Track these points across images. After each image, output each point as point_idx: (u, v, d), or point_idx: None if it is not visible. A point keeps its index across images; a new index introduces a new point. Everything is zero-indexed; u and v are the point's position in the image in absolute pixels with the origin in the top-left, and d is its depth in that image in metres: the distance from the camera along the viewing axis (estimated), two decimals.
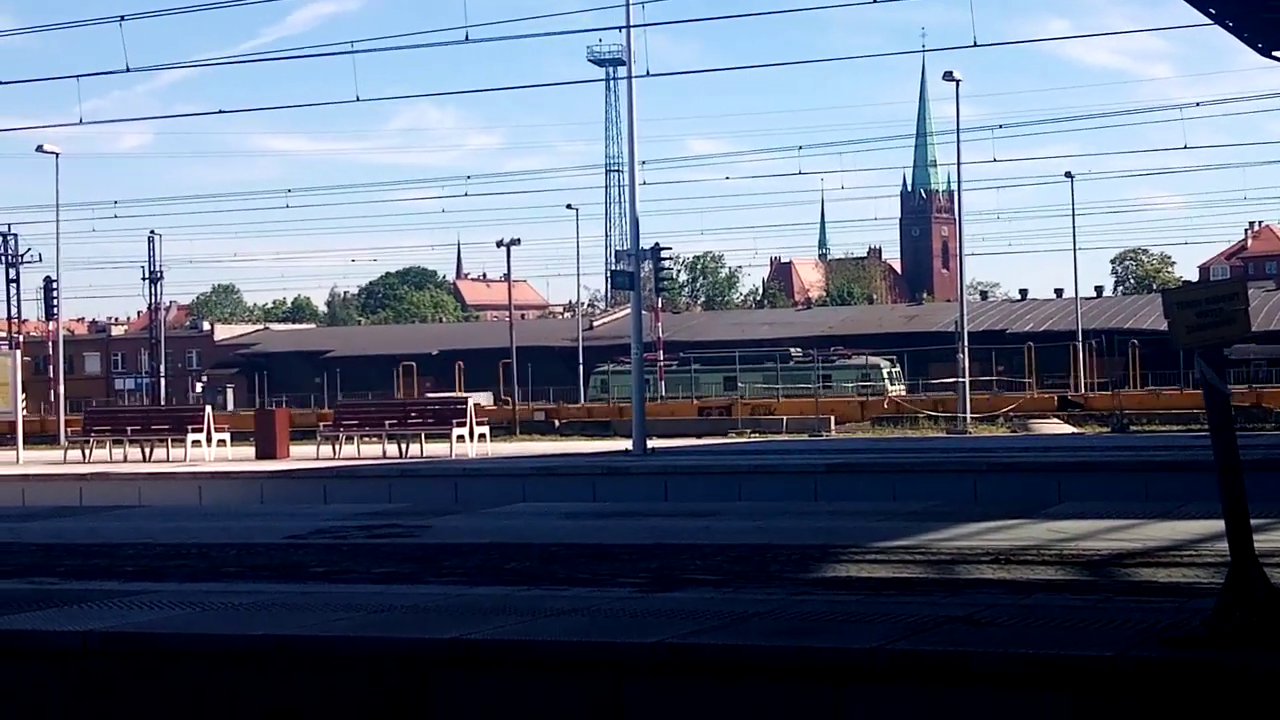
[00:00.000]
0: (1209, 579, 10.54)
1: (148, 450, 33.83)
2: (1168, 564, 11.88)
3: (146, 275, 75.14)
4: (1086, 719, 7.19)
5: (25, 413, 38.63)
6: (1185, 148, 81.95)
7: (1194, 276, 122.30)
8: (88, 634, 9.21)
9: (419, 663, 8.44)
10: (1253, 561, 7.71)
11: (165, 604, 10.37)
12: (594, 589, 10.93)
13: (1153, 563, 12.00)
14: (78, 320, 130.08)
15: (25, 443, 36.99)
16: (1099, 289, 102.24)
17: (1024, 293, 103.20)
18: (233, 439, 35.97)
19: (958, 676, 7.44)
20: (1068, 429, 42.96)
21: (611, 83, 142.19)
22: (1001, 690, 7.34)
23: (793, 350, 70.96)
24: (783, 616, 8.91)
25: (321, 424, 37.10)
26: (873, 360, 67.78)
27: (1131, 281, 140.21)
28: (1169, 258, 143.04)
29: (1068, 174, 71.29)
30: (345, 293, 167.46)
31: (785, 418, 48.17)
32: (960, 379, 48.28)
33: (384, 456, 31.84)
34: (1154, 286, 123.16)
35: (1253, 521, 7.94)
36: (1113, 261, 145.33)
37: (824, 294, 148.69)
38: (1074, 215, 74.02)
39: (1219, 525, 8.49)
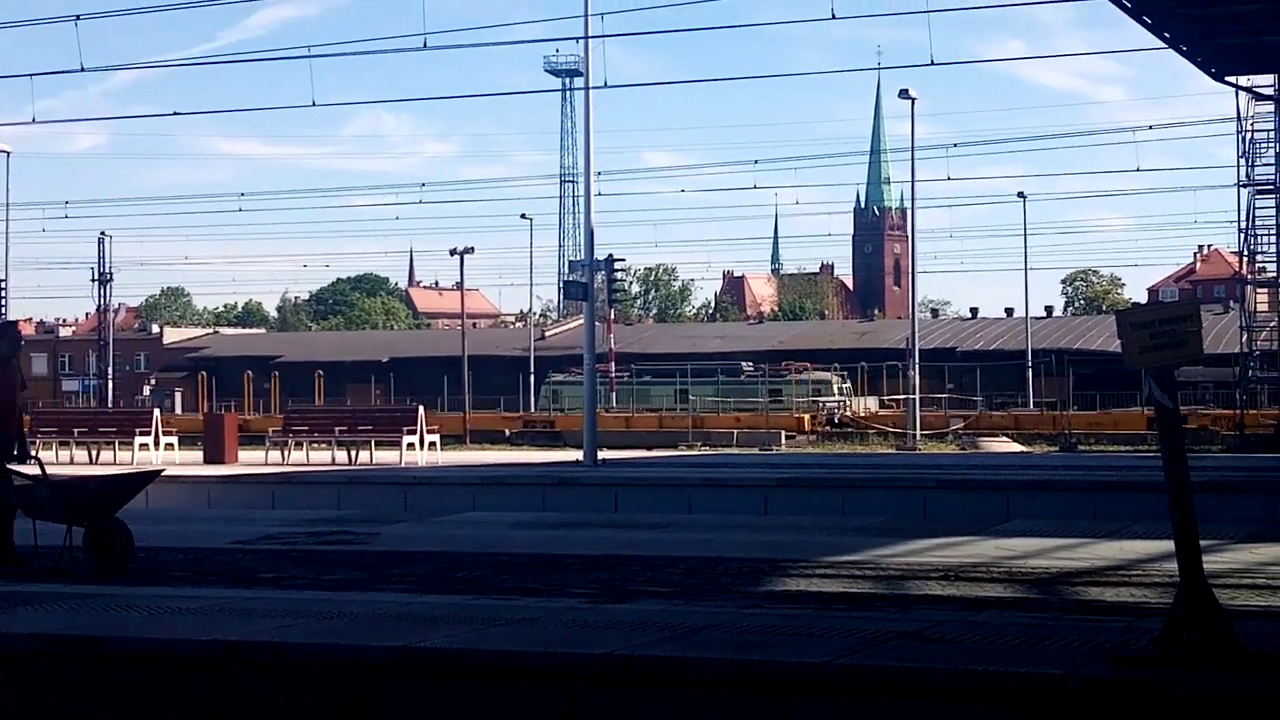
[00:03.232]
0: (1157, 599, 10.62)
1: (95, 453, 33.62)
2: (1116, 583, 11.95)
3: (96, 277, 74.74)
4: None
5: None
6: (1137, 170, 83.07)
7: (1143, 298, 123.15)
8: (33, 637, 9.12)
9: (368, 670, 8.40)
10: (1202, 583, 7.76)
11: (112, 608, 10.29)
12: (544, 599, 10.90)
13: (1101, 581, 12.06)
14: (25, 320, 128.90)
15: None
16: (1049, 309, 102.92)
17: (975, 311, 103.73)
18: (181, 443, 35.81)
19: (908, 691, 7.45)
20: (1016, 447, 43.19)
21: (568, 93, 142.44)
22: (951, 705, 7.35)
23: (744, 364, 71.04)
24: (733, 629, 8.91)
25: (271, 429, 36.92)
26: (823, 375, 67.93)
27: (1081, 302, 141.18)
28: (1119, 279, 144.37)
29: (1020, 194, 71.88)
30: (296, 298, 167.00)
31: (735, 431, 48.30)
32: (911, 395, 48.50)
33: (333, 463, 31.73)
34: (1103, 307, 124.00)
35: (1201, 543, 7.99)
36: (1063, 282, 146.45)
37: (776, 309, 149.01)
38: (1025, 235, 74.51)
39: (1167, 545, 8.55)
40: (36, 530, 13.57)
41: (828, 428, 53.34)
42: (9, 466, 13.92)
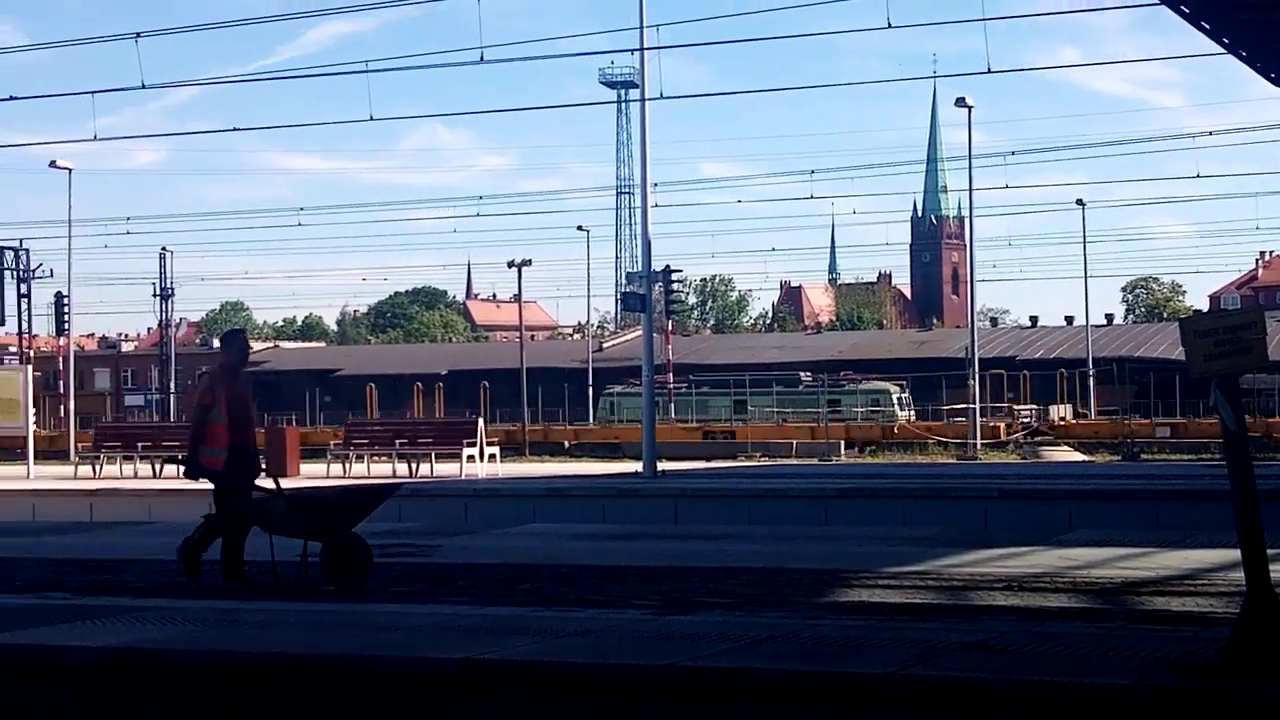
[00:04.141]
0: (1223, 608, 10.52)
1: (158, 466, 33.88)
2: (1181, 593, 11.86)
3: (157, 292, 75.41)
4: None
5: (36, 428, 38.65)
6: (1197, 176, 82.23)
7: (1204, 305, 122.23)
8: (100, 649, 9.21)
9: (432, 682, 8.43)
10: (1269, 592, 7.69)
11: (177, 620, 10.37)
12: (606, 610, 10.91)
13: (1166, 591, 11.97)
14: (88, 336, 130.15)
15: (35, 458, 37.03)
16: (1109, 317, 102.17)
17: (1034, 319, 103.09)
18: None
19: (972, 702, 7.41)
20: (1078, 456, 42.93)
21: (623, 105, 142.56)
22: (1016, 716, 7.31)
23: (802, 374, 70.93)
24: (795, 640, 8.90)
25: (332, 442, 37.12)
26: (882, 385, 67.75)
27: (1142, 310, 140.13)
28: (1180, 286, 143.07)
29: (1079, 201, 71.37)
30: (356, 311, 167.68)
31: (794, 442, 48.21)
32: (971, 405, 48.29)
33: (394, 475, 31.85)
34: (1164, 315, 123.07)
35: (1269, 551, 7.92)
36: (1124, 289, 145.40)
37: (834, 319, 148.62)
38: (1085, 243, 73.29)
39: (1232, 554, 8.46)
40: (274, 545, 13.19)
41: (1022, 437, 52.19)
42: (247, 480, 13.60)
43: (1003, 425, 53.34)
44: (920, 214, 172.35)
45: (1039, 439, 50.98)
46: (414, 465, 32.92)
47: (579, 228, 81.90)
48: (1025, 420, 56.62)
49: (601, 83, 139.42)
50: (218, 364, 14.08)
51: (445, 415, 63.79)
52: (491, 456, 33.05)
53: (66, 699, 9.08)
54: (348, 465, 32.96)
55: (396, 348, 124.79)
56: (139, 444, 35.28)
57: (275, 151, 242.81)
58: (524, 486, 27.07)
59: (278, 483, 13.70)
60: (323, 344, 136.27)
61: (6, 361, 62.91)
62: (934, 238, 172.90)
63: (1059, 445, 46.53)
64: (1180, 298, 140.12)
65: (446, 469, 32.28)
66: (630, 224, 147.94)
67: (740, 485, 26.45)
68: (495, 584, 13.28)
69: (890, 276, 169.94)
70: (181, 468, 14.25)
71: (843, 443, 47.61)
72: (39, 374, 45.77)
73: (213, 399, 13.54)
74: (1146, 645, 8.41)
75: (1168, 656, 7.96)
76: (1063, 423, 56.91)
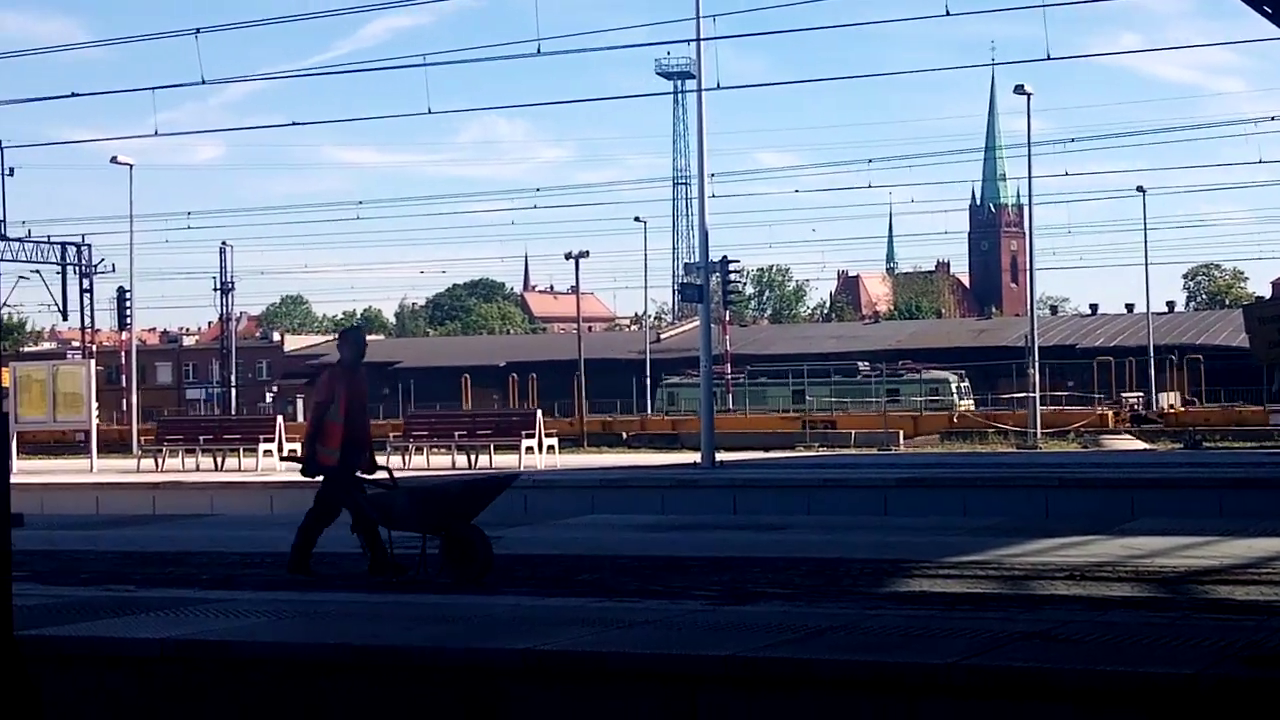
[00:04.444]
0: None
1: (220, 459, 34.12)
2: (1246, 581, 11.76)
3: (218, 286, 75.73)
4: None
5: (99, 422, 38.97)
6: (1259, 162, 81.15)
7: (1266, 292, 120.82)
8: (165, 641, 9.28)
9: (492, 673, 8.45)
10: None
11: (240, 612, 10.44)
12: (666, 601, 10.91)
13: (1231, 580, 11.88)
14: (150, 330, 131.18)
15: (98, 452, 37.36)
16: (1170, 304, 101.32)
17: (1094, 308, 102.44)
18: None
19: (1035, 693, 7.37)
20: (1139, 445, 42.60)
21: (680, 96, 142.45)
22: (1079, 706, 7.27)
23: (860, 364, 70.71)
24: (856, 631, 8.87)
25: (391, 434, 37.27)
26: (940, 375, 67.45)
27: (1204, 297, 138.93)
28: (1241, 273, 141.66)
29: (1139, 188, 70.84)
30: (414, 304, 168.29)
31: (853, 432, 48.05)
32: (1031, 394, 48.02)
33: (453, 467, 31.96)
34: (1226, 302, 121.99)
35: None
36: (1184, 277, 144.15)
37: (891, 308, 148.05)
38: (1145, 230, 72.70)
39: None
40: (392, 540, 13.13)
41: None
42: (361, 476, 13.58)
43: (1110, 413, 52.89)
44: (979, 202, 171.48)
45: (1146, 426, 50.57)
46: (473, 457, 33.01)
47: (636, 219, 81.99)
48: (1134, 407, 56.24)
49: (658, 74, 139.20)
50: (336, 361, 13.93)
51: (503, 407, 63.94)
52: (550, 448, 33.08)
53: (131, 690, 9.16)
54: (407, 457, 33.09)
55: (455, 340, 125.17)
56: (201, 437, 35.52)
57: (334, 145, 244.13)
58: (582, 478, 27.09)
59: (393, 477, 13.58)
60: (381, 337, 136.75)
61: (70, 356, 63.37)
62: (992, 226, 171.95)
63: (1120, 434, 46.12)
64: (1242, 284, 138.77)
65: (505, 460, 32.35)
66: (687, 215, 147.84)
67: (799, 475, 26.41)
68: (555, 575, 13.30)
69: (948, 265, 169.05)
70: (297, 465, 14.09)
71: (901, 432, 47.40)
72: (101, 368, 46.17)
73: (330, 396, 13.41)
74: (1210, 635, 8.34)
75: (1232, 646, 7.89)
76: (1171, 410, 56.49)
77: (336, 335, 15.12)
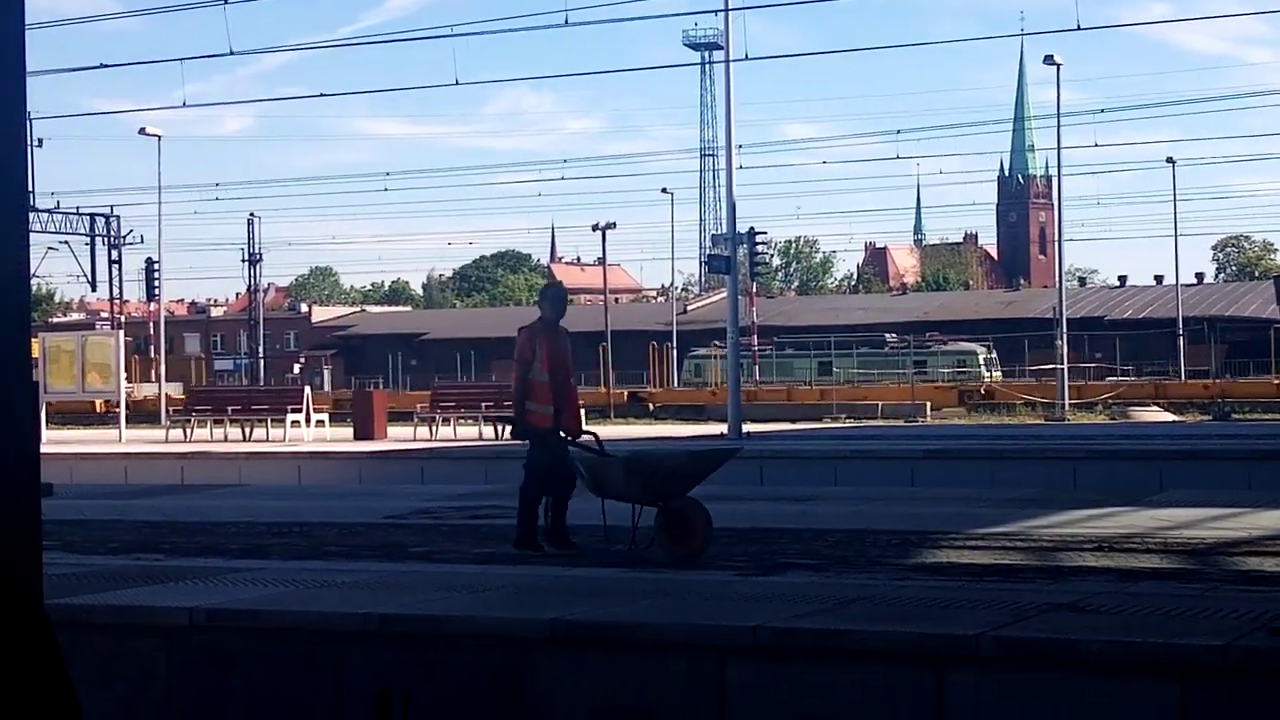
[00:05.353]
0: None
1: (248, 430, 34.24)
2: (1274, 553, 11.71)
3: (246, 257, 75.93)
4: (1195, 707, 7.12)
5: (129, 392, 39.15)
6: None
7: None
8: (194, 610, 9.33)
9: (520, 642, 8.49)
10: None
11: (269, 581, 10.48)
12: (694, 572, 10.93)
13: (1260, 552, 11.83)
14: (178, 301, 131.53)
15: (127, 422, 37.53)
16: (1199, 275, 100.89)
17: (1123, 279, 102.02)
18: (331, 419, 36.34)
19: (1063, 663, 7.37)
20: (1168, 417, 42.47)
21: (707, 67, 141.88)
22: (1107, 678, 7.27)
23: (888, 336, 70.61)
24: (884, 601, 8.88)
25: (418, 405, 37.34)
26: (968, 346, 67.33)
27: (1233, 269, 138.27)
28: (1271, 245, 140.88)
29: (1169, 159, 70.39)
30: (441, 275, 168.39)
31: (880, 403, 47.98)
32: (1059, 365, 47.90)
33: (480, 438, 32.01)
34: (1256, 274, 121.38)
35: None
36: (1214, 248, 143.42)
37: (919, 279, 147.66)
38: (1175, 201, 72.26)
39: None
40: (605, 509, 12.60)
41: None
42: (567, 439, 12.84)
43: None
44: (1007, 173, 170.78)
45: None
46: (500, 428, 33.05)
47: (663, 190, 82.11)
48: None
49: (685, 44, 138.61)
50: (537, 319, 13.32)
51: None
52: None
53: (161, 658, 9.22)
54: (434, 429, 33.16)
55: (482, 311, 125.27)
56: (230, 408, 35.63)
57: (361, 117, 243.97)
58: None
59: (600, 442, 13.04)
60: (409, 308, 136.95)
61: (99, 327, 63.58)
62: (1021, 197, 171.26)
63: (1148, 405, 45.96)
64: (1272, 256, 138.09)
65: None
66: (714, 186, 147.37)
67: (826, 447, 26.39)
68: (584, 545, 13.28)
69: (976, 237, 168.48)
70: (507, 428, 13.38)
71: (928, 404, 47.31)
72: (130, 339, 46.36)
73: (532, 354, 12.87)
74: (1239, 606, 8.32)
75: (1261, 617, 7.87)
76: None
77: (540, 293, 14.27)
